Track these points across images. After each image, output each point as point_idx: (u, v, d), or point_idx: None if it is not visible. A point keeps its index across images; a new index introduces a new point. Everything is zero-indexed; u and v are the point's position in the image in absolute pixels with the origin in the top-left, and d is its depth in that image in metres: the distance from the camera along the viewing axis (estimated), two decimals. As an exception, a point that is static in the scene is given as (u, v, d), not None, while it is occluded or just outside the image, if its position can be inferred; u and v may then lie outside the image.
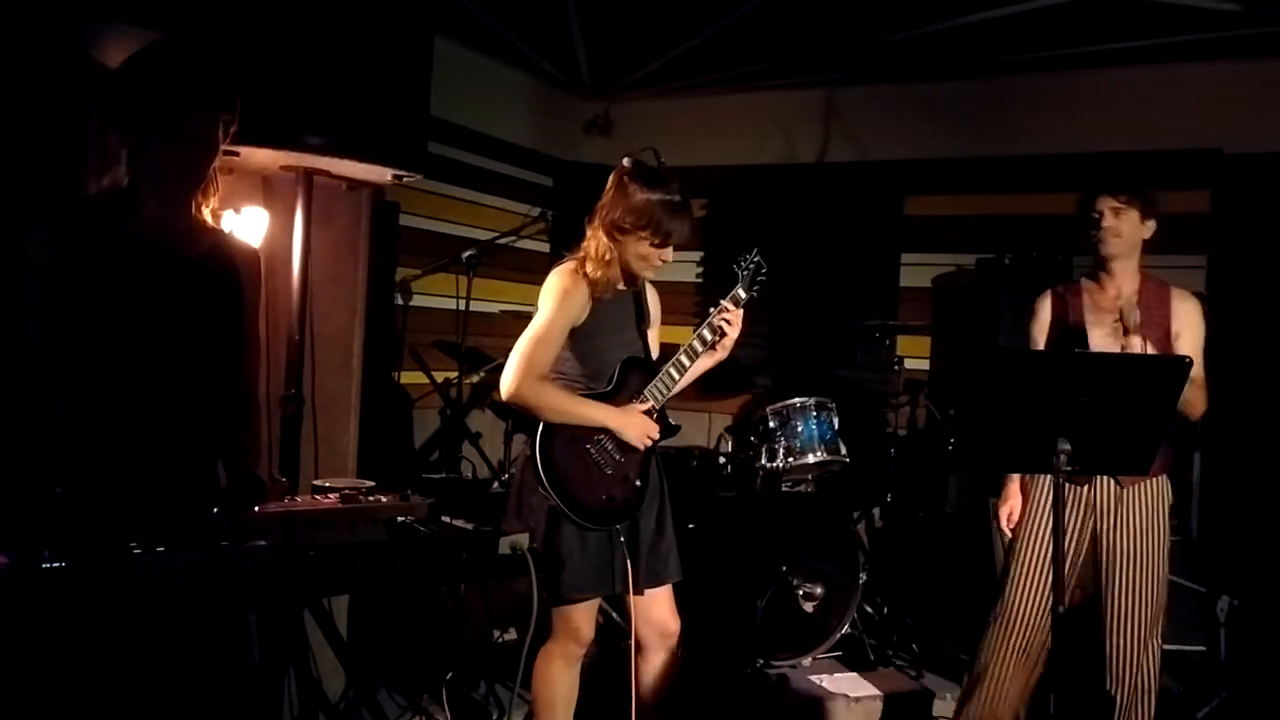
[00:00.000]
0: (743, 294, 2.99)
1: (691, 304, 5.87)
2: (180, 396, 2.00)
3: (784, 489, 4.55)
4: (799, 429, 4.49)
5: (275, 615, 2.46)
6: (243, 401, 2.17)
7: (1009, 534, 3.29)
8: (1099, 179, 3.27)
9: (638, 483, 2.86)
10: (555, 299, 2.79)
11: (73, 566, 1.46)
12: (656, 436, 2.87)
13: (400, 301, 5.07)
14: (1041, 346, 3.30)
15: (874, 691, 4.05)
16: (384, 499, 2.02)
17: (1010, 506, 3.32)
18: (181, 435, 1.99)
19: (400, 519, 1.98)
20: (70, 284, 1.86)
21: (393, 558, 1.90)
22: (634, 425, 2.81)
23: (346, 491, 2.02)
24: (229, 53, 2.50)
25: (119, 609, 1.48)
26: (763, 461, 4.45)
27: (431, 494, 2.19)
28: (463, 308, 4.78)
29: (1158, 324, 3.15)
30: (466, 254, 4.74)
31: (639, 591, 2.85)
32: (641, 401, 2.86)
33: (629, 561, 2.79)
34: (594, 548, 2.80)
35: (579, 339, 2.84)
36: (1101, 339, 3.18)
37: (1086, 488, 3.16)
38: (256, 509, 1.85)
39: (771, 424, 4.51)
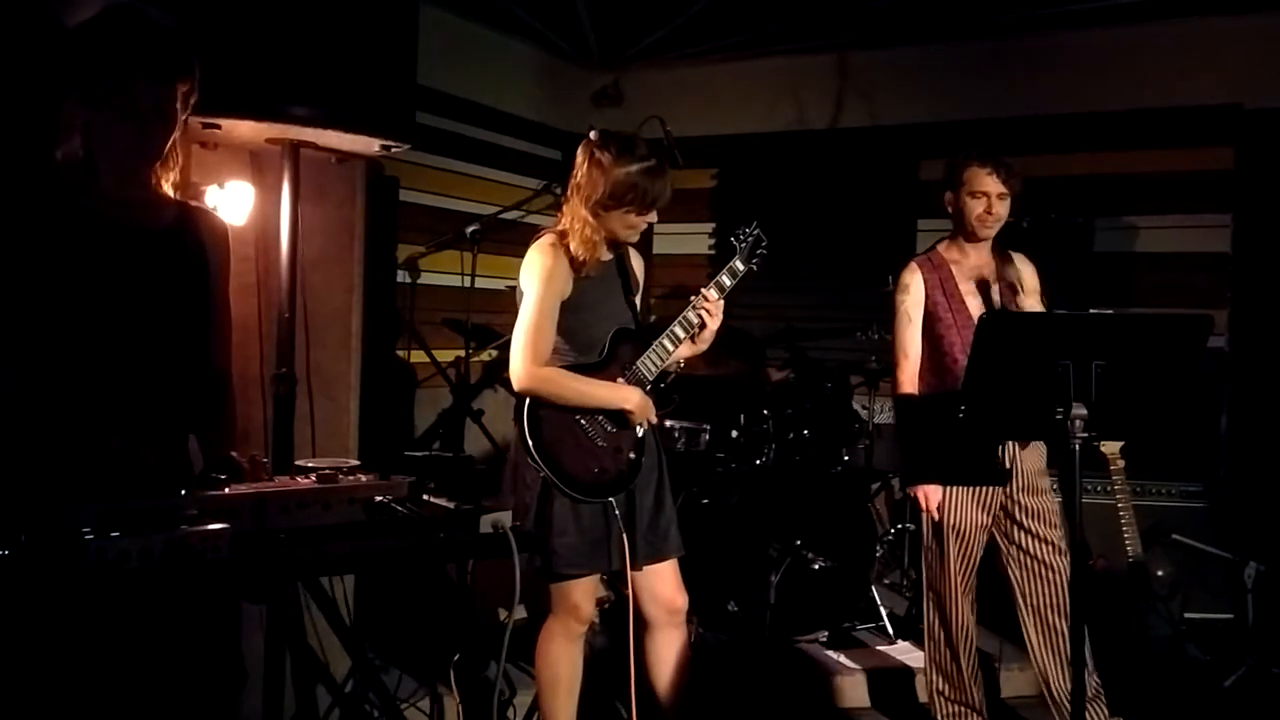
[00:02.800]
0: (741, 266, 2.95)
1: (704, 276, 5.73)
2: (142, 375, 1.93)
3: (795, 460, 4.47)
4: (810, 400, 4.40)
5: (269, 595, 2.40)
6: (213, 379, 2.10)
7: (937, 515, 3.25)
8: (980, 146, 3.26)
9: (631, 455, 2.80)
10: (540, 279, 2.72)
11: (17, 553, 1.40)
12: (652, 416, 2.82)
13: (408, 279, 5.01)
14: (917, 321, 3.26)
15: (893, 665, 3.98)
16: (363, 479, 1.95)
17: (925, 491, 3.25)
18: (145, 415, 1.93)
19: (379, 498, 1.91)
20: (20, 260, 1.80)
21: (368, 539, 1.83)
22: (636, 402, 2.77)
23: (325, 471, 1.96)
24: (207, 22, 2.44)
25: (68, 597, 1.42)
26: (775, 433, 4.37)
27: (420, 472, 2.12)
28: (469, 284, 4.71)
29: (1014, 287, 3.24)
30: (470, 229, 4.66)
31: (636, 567, 2.80)
32: (630, 375, 2.80)
33: (625, 537, 2.73)
34: (589, 523, 2.75)
35: (566, 313, 2.78)
36: (977, 308, 3.19)
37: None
38: (227, 490, 1.79)
39: (783, 396, 4.43)
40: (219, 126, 2.67)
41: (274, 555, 1.70)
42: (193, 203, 2.25)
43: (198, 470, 2.05)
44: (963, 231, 3.25)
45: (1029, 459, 3.23)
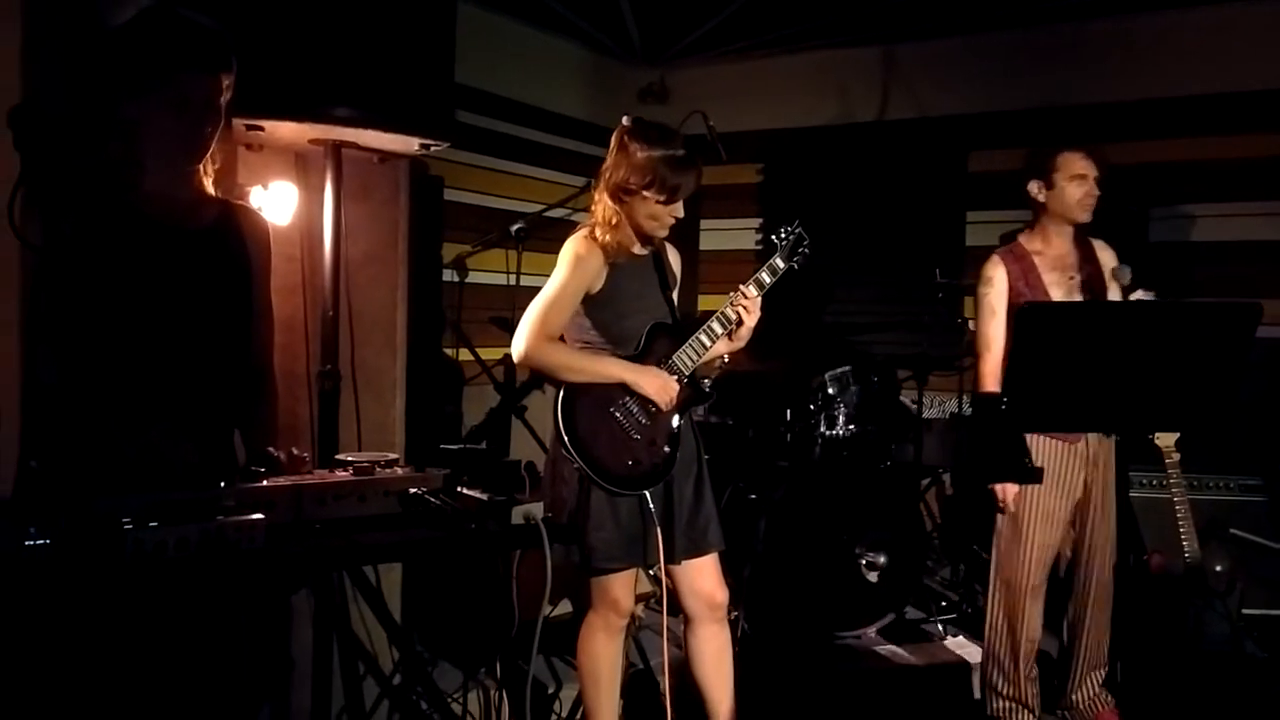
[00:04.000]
0: (781, 264, 2.94)
1: (750, 271, 5.72)
2: (183, 370, 1.98)
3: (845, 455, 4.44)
4: (859, 395, 4.38)
5: (316, 586, 2.44)
6: (255, 375, 2.15)
7: (1013, 507, 3.26)
8: (1068, 137, 3.37)
9: (666, 449, 2.80)
10: (568, 263, 2.75)
11: (58, 543, 1.44)
12: (676, 394, 2.79)
13: (456, 278, 5.06)
14: (1001, 313, 3.26)
15: (943, 660, 3.94)
16: (398, 471, 1.98)
17: (1005, 485, 3.25)
18: (185, 409, 1.98)
19: (413, 490, 1.94)
20: (66, 258, 1.85)
21: (401, 530, 1.86)
22: (651, 380, 2.75)
23: (362, 464, 1.99)
24: (249, 25, 2.49)
25: (106, 586, 1.46)
26: (822, 429, 4.35)
27: (456, 466, 2.15)
28: (514, 282, 4.75)
29: (1097, 275, 3.24)
30: (515, 227, 4.69)
31: (674, 561, 2.80)
32: (665, 369, 2.80)
33: (659, 531, 2.72)
34: (626, 518, 2.76)
35: (599, 306, 2.79)
36: (1063, 297, 3.20)
37: (1081, 443, 3.24)
38: (265, 483, 1.83)
39: (831, 390, 4.40)
40: (262, 128, 2.72)
41: (308, 545, 1.74)
42: (235, 201, 2.30)
43: (241, 464, 2.09)
44: (1054, 219, 3.25)
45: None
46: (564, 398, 2.71)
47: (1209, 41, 4.86)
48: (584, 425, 2.71)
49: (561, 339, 2.81)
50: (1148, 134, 5.00)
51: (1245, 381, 2.50)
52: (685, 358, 2.82)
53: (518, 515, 1.92)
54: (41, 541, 1.42)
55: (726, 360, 2.98)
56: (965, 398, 4.87)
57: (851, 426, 4.36)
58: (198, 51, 1.94)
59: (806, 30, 5.45)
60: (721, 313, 2.84)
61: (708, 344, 2.84)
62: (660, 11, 5.36)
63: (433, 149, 3.01)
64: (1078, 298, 3.20)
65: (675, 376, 2.80)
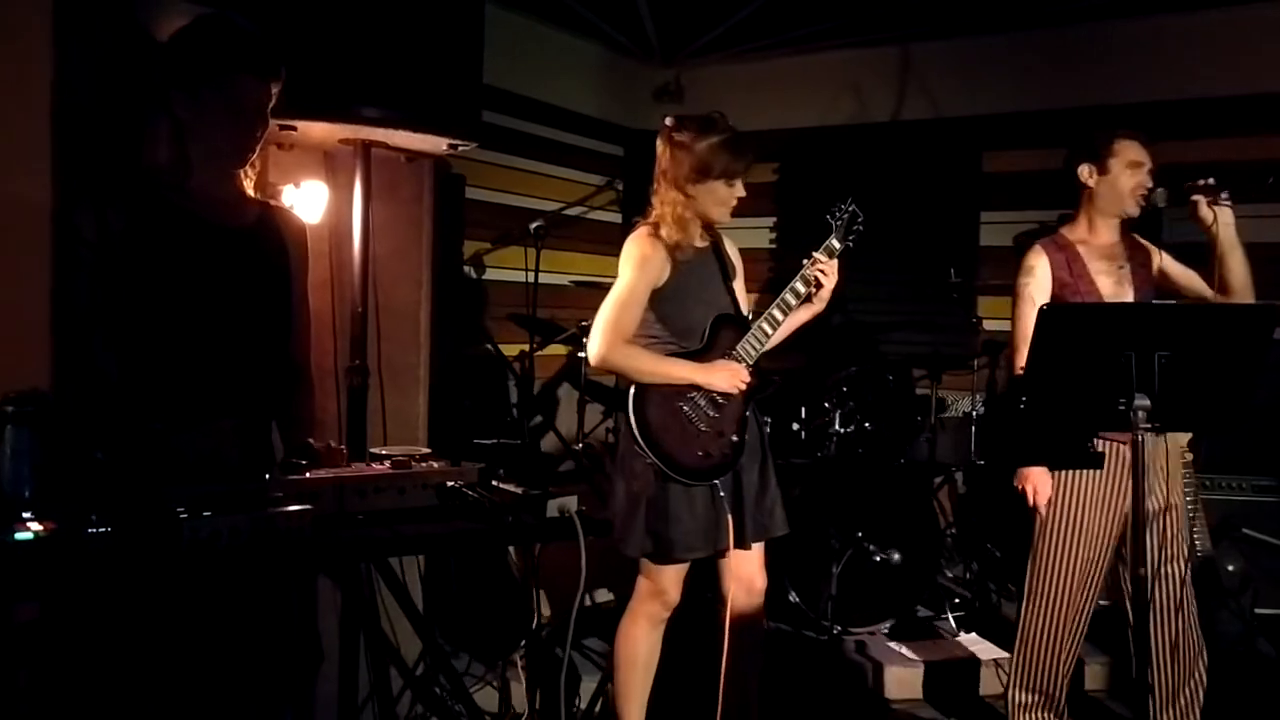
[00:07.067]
0: (836, 244, 2.97)
1: (765, 270, 5.79)
2: (229, 366, 2.03)
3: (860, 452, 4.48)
4: (873, 393, 4.41)
5: (344, 577, 2.49)
6: (294, 371, 2.20)
7: (1043, 510, 3.09)
8: (1121, 125, 3.15)
9: (734, 438, 2.85)
10: (635, 263, 2.81)
11: (118, 531, 1.49)
12: (747, 381, 2.84)
13: (474, 275, 5.11)
14: (1040, 304, 3.16)
15: (956, 657, 3.98)
16: (435, 465, 2.03)
17: (1034, 482, 3.08)
18: (231, 404, 2.03)
19: (450, 484, 1.98)
20: (119, 256, 1.90)
21: (440, 521, 1.91)
22: (721, 376, 2.82)
23: (399, 458, 2.04)
24: (283, 26, 2.54)
25: (164, 573, 1.51)
26: (837, 427, 4.39)
27: (488, 460, 2.20)
28: (532, 280, 4.79)
29: (1145, 265, 3.15)
30: (534, 225, 4.74)
31: (745, 546, 2.86)
32: (733, 359, 2.85)
33: (730, 517, 2.79)
34: (701, 508, 2.82)
35: (663, 300, 2.85)
36: (1111, 289, 3.10)
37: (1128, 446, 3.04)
38: (308, 475, 1.87)
39: (845, 389, 4.44)
40: (295, 128, 2.77)
41: (355, 535, 1.79)
42: (273, 202, 2.35)
43: (279, 457, 2.15)
44: (1102, 208, 3.13)
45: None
46: (635, 395, 2.78)
47: (1227, 43, 4.87)
48: (655, 420, 2.78)
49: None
50: (1164, 135, 4.99)
51: (1260, 382, 2.53)
52: (749, 346, 2.87)
53: (552, 509, 1.97)
54: (103, 530, 1.47)
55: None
56: (979, 397, 4.89)
57: (866, 424, 4.40)
58: (253, 58, 2.00)
59: (822, 30, 5.47)
60: (791, 288, 2.89)
61: (770, 332, 2.89)
62: (677, 11, 5.40)
63: (460, 149, 3.05)
64: (1127, 288, 3.10)
65: (742, 365, 2.85)
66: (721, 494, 2.81)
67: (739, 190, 2.85)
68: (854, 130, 5.80)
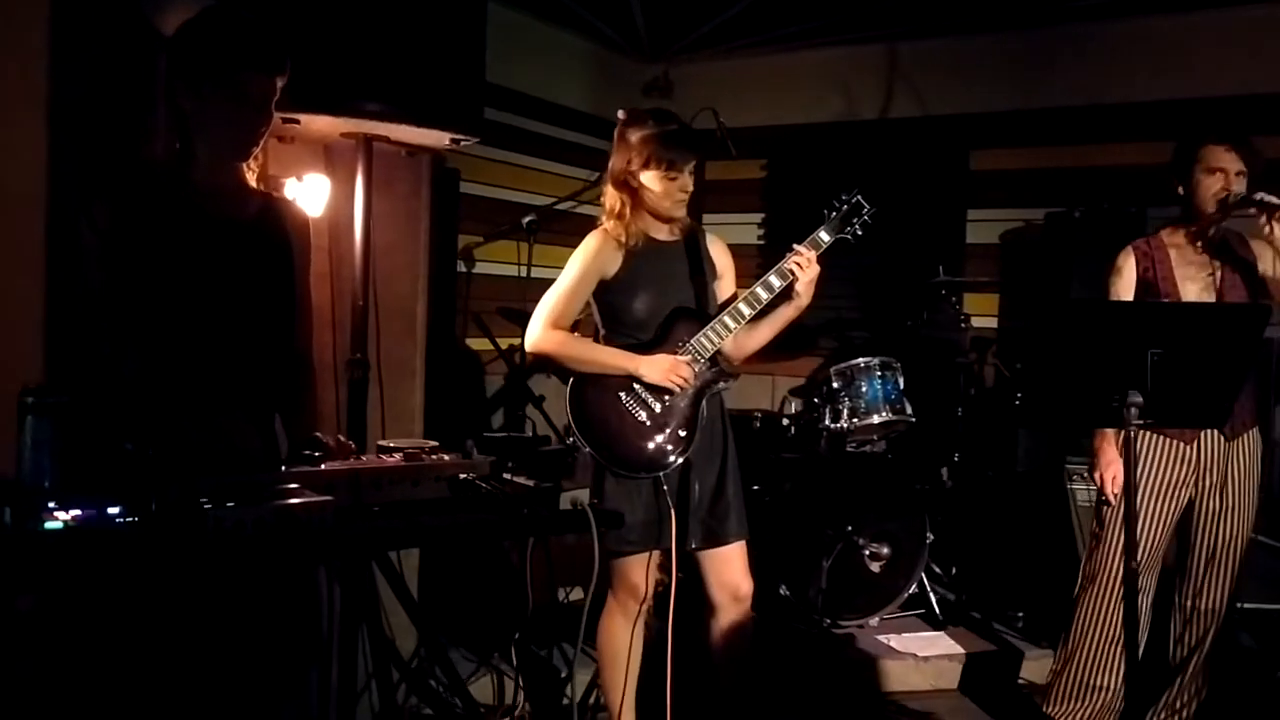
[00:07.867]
0: (825, 237, 2.89)
1: (753, 266, 5.80)
2: (240, 358, 2.04)
3: (850, 449, 4.52)
4: (863, 389, 4.46)
5: (345, 569, 2.51)
6: (298, 363, 2.21)
7: (1112, 498, 3.16)
8: (1210, 130, 3.15)
9: (681, 433, 2.81)
10: (579, 255, 2.86)
11: (145, 521, 1.50)
12: (687, 376, 2.78)
13: (464, 269, 5.11)
14: None
15: (942, 651, 4.03)
16: (446, 457, 2.05)
17: (1114, 470, 3.14)
18: (243, 395, 2.04)
19: (462, 476, 2.00)
20: (132, 248, 1.91)
21: (456, 513, 1.93)
22: (654, 368, 2.76)
23: (410, 450, 2.05)
24: (288, 21, 2.55)
25: (190, 563, 1.52)
26: (827, 422, 4.43)
27: (495, 452, 2.21)
28: (524, 274, 4.81)
29: (1245, 271, 3.13)
30: (527, 219, 4.76)
31: (687, 546, 2.83)
32: (682, 352, 2.81)
33: (674, 515, 2.76)
34: (643, 501, 2.80)
35: (615, 292, 2.85)
36: (1196, 294, 3.13)
37: (1193, 444, 3.13)
38: (323, 467, 1.89)
39: (835, 384, 4.49)
40: (298, 121, 2.77)
41: (375, 525, 1.81)
42: (275, 194, 2.36)
43: (283, 449, 2.16)
44: (1191, 213, 3.14)
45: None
46: (573, 384, 2.80)
47: (1214, 44, 4.91)
48: (592, 411, 2.78)
49: (575, 327, 2.88)
50: (1148, 135, 5.05)
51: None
52: (705, 340, 2.81)
53: (565, 500, 1.99)
54: (130, 519, 1.48)
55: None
56: (971, 392, 4.95)
57: (855, 420, 4.44)
58: (259, 52, 2.00)
59: (811, 28, 5.50)
60: (761, 283, 2.80)
61: (732, 325, 2.81)
62: (667, 7, 5.41)
63: (461, 144, 3.07)
64: (1212, 294, 3.10)
65: (690, 358, 2.79)
66: (665, 488, 2.77)
67: (684, 184, 2.81)
68: (842, 127, 5.83)
